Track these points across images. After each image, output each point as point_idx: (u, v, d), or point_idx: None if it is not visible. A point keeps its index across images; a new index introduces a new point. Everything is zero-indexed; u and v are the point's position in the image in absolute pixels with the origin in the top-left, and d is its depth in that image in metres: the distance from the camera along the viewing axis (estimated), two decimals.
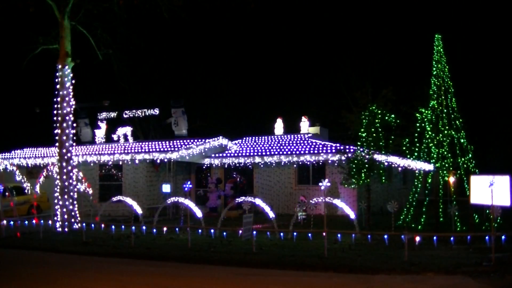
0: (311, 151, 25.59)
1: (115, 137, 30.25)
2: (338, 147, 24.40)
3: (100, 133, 31.04)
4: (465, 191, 18.65)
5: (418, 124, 18.78)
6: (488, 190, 12.11)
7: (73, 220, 19.73)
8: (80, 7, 20.82)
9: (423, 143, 19.11)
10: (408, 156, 19.84)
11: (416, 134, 19.00)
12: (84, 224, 16.56)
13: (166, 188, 23.33)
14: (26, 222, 18.47)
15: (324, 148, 25.70)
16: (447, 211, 17.86)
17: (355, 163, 18.36)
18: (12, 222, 18.68)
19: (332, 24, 51.32)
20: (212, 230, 16.26)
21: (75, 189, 20.83)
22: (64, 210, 20.17)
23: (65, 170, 20.40)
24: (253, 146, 29.36)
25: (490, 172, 14.09)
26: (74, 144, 21.24)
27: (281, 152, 26.31)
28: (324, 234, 13.34)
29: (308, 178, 26.04)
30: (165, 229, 17.08)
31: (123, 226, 17.30)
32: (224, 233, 16.17)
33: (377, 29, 47.23)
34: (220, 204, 25.60)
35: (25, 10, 20.41)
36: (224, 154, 27.66)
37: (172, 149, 25.26)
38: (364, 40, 42.25)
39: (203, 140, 27.21)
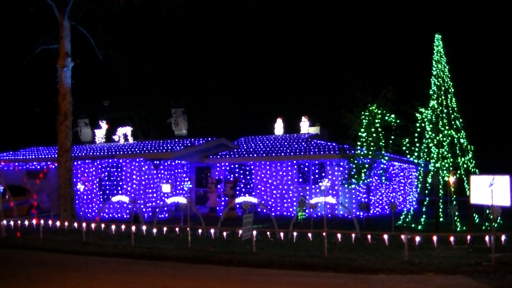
0: (311, 151, 25.58)
1: (115, 137, 30.26)
2: (339, 147, 24.41)
3: (100, 133, 31.06)
4: (465, 191, 18.65)
5: (418, 124, 18.77)
6: (488, 190, 12.11)
7: (73, 220, 19.72)
8: (80, 7, 20.84)
9: (423, 143, 19.10)
10: (408, 156, 19.85)
11: (416, 134, 19.00)
12: (84, 224, 16.55)
13: (166, 188, 23.33)
14: (26, 222, 18.45)
15: (324, 148, 25.69)
16: (447, 211, 17.87)
17: (355, 163, 18.37)
18: (12, 222, 18.67)
19: (332, 24, 51.34)
20: (212, 230, 16.26)
21: (75, 189, 20.83)
22: (64, 210, 20.18)
23: (65, 170, 20.40)
24: (253, 146, 29.36)
25: (490, 172, 14.07)
26: (74, 144, 21.25)
27: (281, 152, 26.31)
28: (324, 234, 13.34)
29: (308, 178, 26.04)
30: (165, 229, 17.07)
31: (123, 226, 17.28)
32: (224, 233, 16.15)
33: (377, 29, 47.25)
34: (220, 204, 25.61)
35: (25, 10, 20.43)
36: (224, 154, 27.66)
37: (172, 149, 25.26)
38: (364, 40, 42.25)
39: (203, 140, 27.22)
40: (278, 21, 53.84)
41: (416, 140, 19.07)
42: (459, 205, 17.59)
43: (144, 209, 22.99)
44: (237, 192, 26.29)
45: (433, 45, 20.15)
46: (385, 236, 13.55)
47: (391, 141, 18.40)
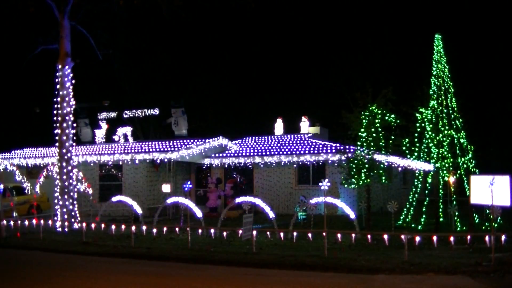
0: (311, 151, 25.58)
1: (115, 137, 30.26)
2: (338, 147, 24.40)
3: (100, 133, 31.05)
4: (465, 191, 18.65)
5: (418, 124, 18.77)
6: (488, 190, 12.11)
7: (73, 220, 19.73)
8: (80, 7, 20.83)
9: (423, 143, 19.10)
10: (408, 156, 19.85)
11: (416, 134, 18.99)
12: (84, 224, 16.55)
13: (166, 188, 23.33)
14: (26, 222, 18.46)
15: (324, 148, 25.69)
16: (447, 211, 17.87)
17: (355, 163, 18.35)
18: (12, 222, 18.68)
19: (332, 24, 51.32)
20: (212, 230, 16.26)
21: (75, 189, 20.83)
22: (64, 210, 20.17)
23: (65, 170, 20.40)
24: (253, 146, 29.36)
25: (490, 172, 14.07)
26: (74, 144, 21.25)
27: (281, 152, 26.31)
28: (324, 234, 13.34)
29: (308, 178, 26.04)
30: (165, 229, 17.07)
31: (123, 226, 17.29)
32: (224, 233, 16.15)
33: (377, 29, 47.23)
34: (220, 204, 25.61)
35: (25, 10, 20.43)
36: (224, 154, 27.67)
37: (172, 149, 25.26)
38: (365, 40, 42.23)
39: (203, 140, 27.22)
40: (278, 21, 53.83)
41: (416, 140, 19.06)
42: (459, 205, 17.57)
43: (144, 209, 22.97)
44: (237, 192, 26.28)
45: (433, 45, 20.15)
46: (385, 236, 13.55)
47: (391, 141, 18.39)
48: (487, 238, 12.84)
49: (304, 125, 30.34)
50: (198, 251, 13.94)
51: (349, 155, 20.05)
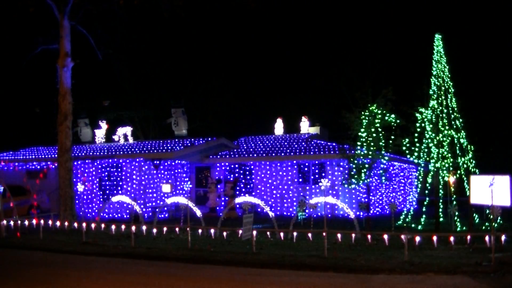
0: (311, 151, 25.58)
1: (115, 137, 30.26)
2: (339, 147, 24.40)
3: (100, 133, 31.07)
4: (465, 191, 18.65)
5: (418, 124, 18.77)
6: (488, 190, 12.11)
7: (73, 220, 19.72)
8: (80, 7, 20.84)
9: (423, 143, 19.08)
10: (408, 156, 19.85)
11: (416, 134, 18.99)
12: (84, 224, 16.55)
13: (166, 188, 23.33)
14: (26, 222, 18.46)
15: (324, 148, 25.69)
16: (447, 211, 17.86)
17: (355, 163, 18.36)
18: (12, 222, 18.67)
19: (332, 24, 51.35)
20: (212, 230, 16.26)
21: (75, 189, 20.82)
22: (64, 210, 20.18)
23: (65, 170, 20.40)
24: (253, 146, 29.36)
25: (490, 172, 14.07)
26: (74, 144, 21.24)
27: (281, 152, 26.31)
28: (324, 234, 13.34)
29: (308, 178, 26.04)
30: (165, 229, 17.07)
31: (123, 226, 17.29)
32: (224, 233, 16.15)
33: (377, 29, 47.26)
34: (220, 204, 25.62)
35: (25, 10, 20.43)
36: (224, 154, 27.66)
37: (172, 149, 25.26)
38: (364, 40, 42.22)
39: (203, 140, 27.22)
40: (278, 21, 53.88)
41: (416, 140, 19.05)
42: (459, 205, 17.57)
43: (144, 209, 22.98)
44: (237, 192, 26.29)
45: (433, 45, 20.14)
46: (385, 236, 13.55)
47: (391, 141, 18.40)
48: (487, 238, 12.85)
49: (304, 125, 30.35)
50: (198, 251, 13.94)
51: (349, 155, 20.03)
